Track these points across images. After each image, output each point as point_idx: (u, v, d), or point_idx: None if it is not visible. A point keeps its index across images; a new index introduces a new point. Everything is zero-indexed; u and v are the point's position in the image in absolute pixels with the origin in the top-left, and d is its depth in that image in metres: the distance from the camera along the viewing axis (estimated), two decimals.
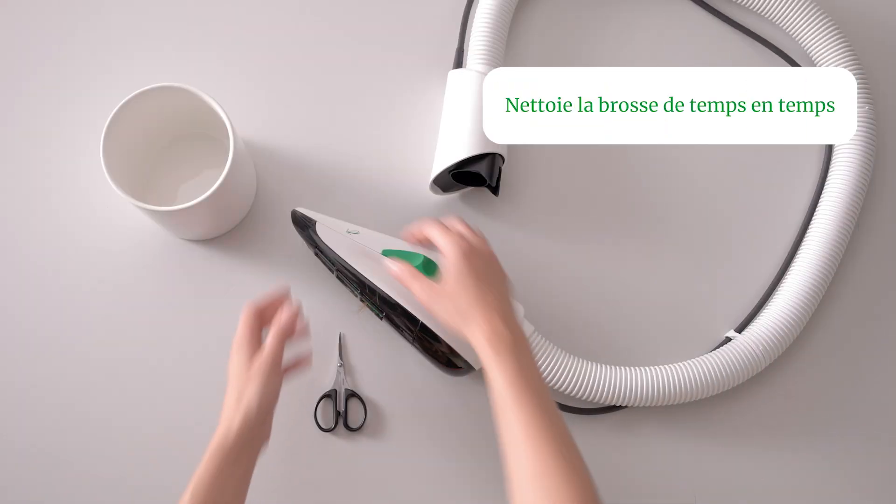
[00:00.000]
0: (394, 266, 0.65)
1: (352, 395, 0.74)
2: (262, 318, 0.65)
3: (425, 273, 0.69)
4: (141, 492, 0.71)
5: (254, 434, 0.60)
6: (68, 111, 0.78)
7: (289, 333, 0.64)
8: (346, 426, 0.73)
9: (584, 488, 0.52)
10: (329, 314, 0.75)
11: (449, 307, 0.61)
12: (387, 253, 0.69)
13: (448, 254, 0.62)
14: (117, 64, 0.80)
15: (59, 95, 0.79)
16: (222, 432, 0.59)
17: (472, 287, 0.61)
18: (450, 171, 0.74)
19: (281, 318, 0.64)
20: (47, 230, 0.76)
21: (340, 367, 0.74)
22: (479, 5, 0.80)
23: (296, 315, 0.65)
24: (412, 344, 0.72)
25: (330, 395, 0.74)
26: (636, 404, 0.74)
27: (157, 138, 0.76)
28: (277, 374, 0.62)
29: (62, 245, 0.76)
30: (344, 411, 0.73)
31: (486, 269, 0.63)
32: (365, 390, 0.74)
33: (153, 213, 0.67)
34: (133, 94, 0.67)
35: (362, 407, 0.74)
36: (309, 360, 0.70)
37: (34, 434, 0.72)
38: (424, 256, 0.70)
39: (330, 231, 0.70)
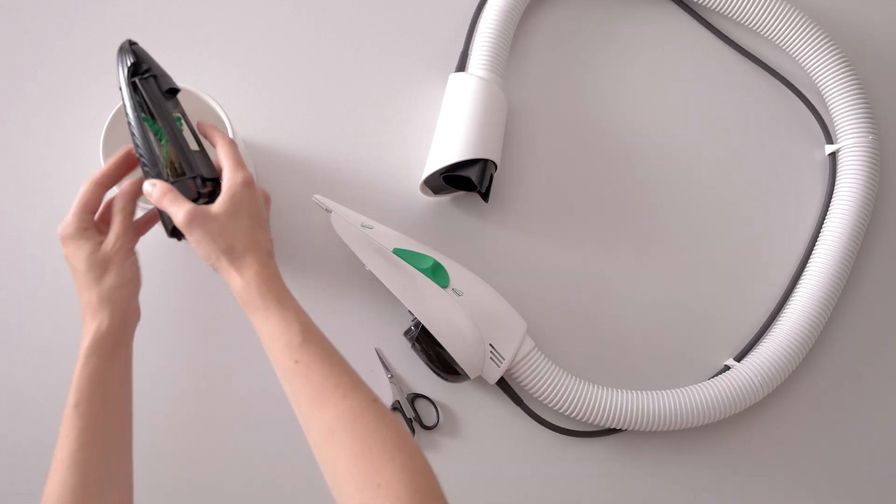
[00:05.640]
0: (149, 185, 0.57)
1: (416, 397, 0.74)
2: (105, 190, 0.61)
3: (433, 278, 0.69)
4: (141, 489, 0.71)
5: (125, 323, 0.58)
6: (68, 111, 0.78)
7: (131, 198, 0.60)
8: (423, 426, 0.74)
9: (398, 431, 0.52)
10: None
11: (214, 230, 0.55)
12: (397, 251, 0.69)
13: (231, 175, 0.57)
14: None
15: (59, 95, 0.79)
16: (93, 331, 0.56)
17: (247, 217, 0.57)
18: (441, 174, 0.74)
19: (121, 190, 0.60)
20: (47, 230, 0.76)
21: (391, 378, 0.74)
22: (485, 11, 0.80)
23: (134, 183, 0.60)
24: (412, 347, 0.72)
25: (396, 408, 0.73)
26: (634, 428, 0.73)
27: None
28: (131, 256, 0.59)
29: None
30: (416, 415, 0.74)
31: (261, 206, 0.59)
32: (425, 391, 0.75)
33: None
34: None
35: (432, 406, 0.74)
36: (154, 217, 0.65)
37: (35, 432, 0.72)
38: (434, 260, 0.70)
39: (344, 223, 0.70)
